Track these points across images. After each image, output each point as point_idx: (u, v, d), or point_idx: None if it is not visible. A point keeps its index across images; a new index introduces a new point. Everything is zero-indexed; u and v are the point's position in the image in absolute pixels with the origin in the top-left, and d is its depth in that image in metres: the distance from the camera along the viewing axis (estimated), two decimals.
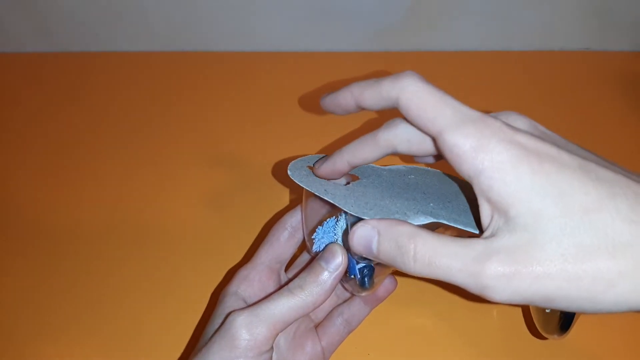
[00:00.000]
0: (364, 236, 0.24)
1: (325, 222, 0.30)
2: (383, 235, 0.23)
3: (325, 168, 0.28)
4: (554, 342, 0.35)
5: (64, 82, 0.54)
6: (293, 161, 0.29)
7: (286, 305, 0.26)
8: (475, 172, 0.21)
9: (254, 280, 0.31)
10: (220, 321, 0.28)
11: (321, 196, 0.27)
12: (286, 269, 0.33)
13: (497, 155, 0.21)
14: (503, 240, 0.21)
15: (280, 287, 0.32)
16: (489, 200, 0.21)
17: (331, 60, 0.55)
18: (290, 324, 0.27)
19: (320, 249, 0.29)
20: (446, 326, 0.36)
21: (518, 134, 0.21)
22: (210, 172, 0.46)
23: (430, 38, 0.55)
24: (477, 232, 0.25)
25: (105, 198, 0.44)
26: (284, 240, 0.32)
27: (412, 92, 0.23)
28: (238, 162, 0.47)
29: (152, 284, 0.39)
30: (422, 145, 0.25)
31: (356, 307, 0.33)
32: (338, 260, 0.27)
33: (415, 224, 0.24)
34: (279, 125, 0.49)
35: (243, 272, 0.31)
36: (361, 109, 0.25)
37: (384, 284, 0.32)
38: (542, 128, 0.23)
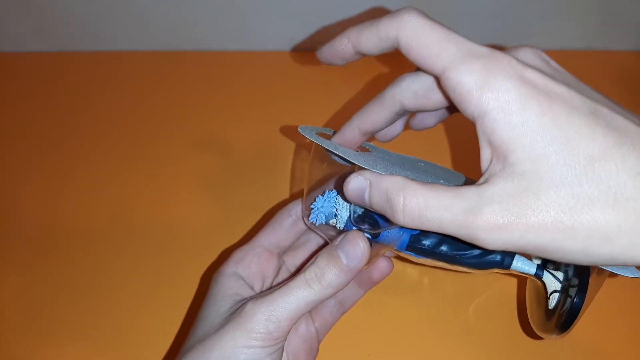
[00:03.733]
0: (357, 187, 0.23)
1: (327, 193, 0.29)
2: (374, 187, 0.23)
3: (336, 140, 0.27)
4: (538, 341, 0.34)
5: (64, 82, 0.54)
6: (302, 125, 0.29)
7: (303, 299, 0.25)
8: (479, 113, 0.20)
9: (251, 262, 0.30)
10: (222, 302, 0.27)
11: (332, 150, 0.26)
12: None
13: (504, 94, 0.19)
14: (497, 187, 0.20)
15: (283, 273, 0.32)
16: (491, 144, 0.20)
17: None
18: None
19: (317, 220, 0.29)
20: (448, 327, 0.36)
21: (528, 70, 0.20)
22: (210, 166, 0.46)
23: None
24: None
25: (104, 193, 0.44)
26: (287, 226, 0.31)
27: (412, 28, 0.21)
28: (239, 156, 0.47)
29: (142, 268, 0.39)
30: (429, 96, 0.24)
31: (349, 289, 0.32)
32: (359, 253, 0.25)
33: None
34: (281, 122, 0.49)
35: (240, 253, 0.30)
36: (360, 54, 0.24)
37: (380, 267, 0.31)
38: (554, 64, 0.22)
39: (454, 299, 0.37)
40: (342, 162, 0.28)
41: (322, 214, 0.29)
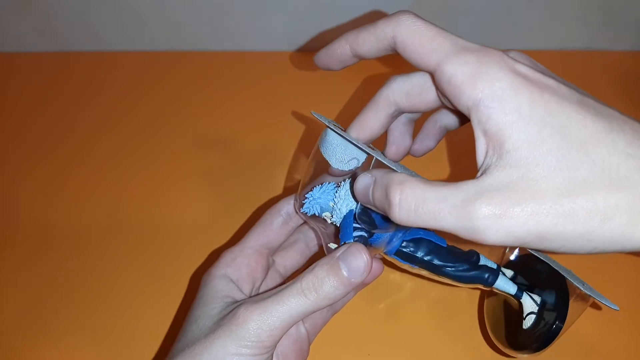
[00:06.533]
0: (364, 184, 0.24)
1: (326, 184, 0.29)
2: (377, 183, 0.23)
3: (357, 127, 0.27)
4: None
5: (64, 82, 0.54)
6: (314, 112, 0.28)
7: (297, 308, 0.25)
8: (474, 102, 0.20)
9: (241, 264, 0.29)
10: (212, 305, 0.27)
11: (346, 138, 0.26)
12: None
13: (497, 82, 0.20)
14: (494, 177, 0.20)
15: (272, 273, 0.31)
16: (486, 133, 0.20)
17: None
18: None
19: (310, 211, 0.29)
20: (448, 327, 0.36)
21: (518, 64, 0.21)
22: (203, 166, 0.46)
23: None
24: None
25: (98, 194, 0.44)
26: (277, 226, 0.31)
27: (408, 27, 0.22)
28: (232, 156, 0.47)
29: (132, 268, 0.40)
30: (421, 95, 0.24)
31: None
32: (362, 266, 0.25)
33: None
34: (278, 122, 0.49)
35: (230, 255, 0.30)
36: (358, 57, 0.25)
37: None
38: (542, 67, 0.23)
39: (452, 306, 0.37)
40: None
41: (317, 205, 0.28)
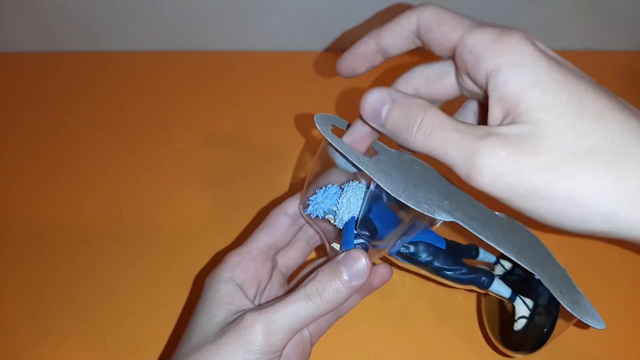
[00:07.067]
0: (378, 99, 0.23)
1: (328, 187, 0.29)
2: (397, 103, 0.23)
3: (346, 139, 0.27)
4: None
5: (64, 82, 0.54)
6: (319, 114, 0.28)
7: (304, 313, 0.25)
8: (493, 68, 0.21)
9: (248, 267, 0.29)
10: (216, 311, 0.27)
11: (340, 151, 0.26)
12: None
13: (517, 51, 0.21)
14: (506, 128, 0.20)
15: (276, 274, 0.31)
16: (501, 99, 0.21)
17: (332, 60, 0.55)
18: None
19: (314, 213, 0.29)
20: (447, 326, 0.36)
21: (538, 42, 0.22)
22: (203, 166, 0.46)
23: None
24: (488, 241, 0.24)
25: (100, 193, 0.44)
26: (285, 226, 0.31)
27: (431, 12, 0.23)
28: (232, 156, 0.47)
29: (135, 269, 0.39)
30: (441, 81, 0.25)
31: None
32: (362, 269, 0.26)
33: (438, 218, 0.24)
34: (283, 121, 0.49)
35: (235, 257, 0.29)
36: (382, 53, 0.25)
37: (379, 273, 0.31)
38: None
39: (451, 304, 0.37)
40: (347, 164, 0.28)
41: (320, 209, 0.29)
